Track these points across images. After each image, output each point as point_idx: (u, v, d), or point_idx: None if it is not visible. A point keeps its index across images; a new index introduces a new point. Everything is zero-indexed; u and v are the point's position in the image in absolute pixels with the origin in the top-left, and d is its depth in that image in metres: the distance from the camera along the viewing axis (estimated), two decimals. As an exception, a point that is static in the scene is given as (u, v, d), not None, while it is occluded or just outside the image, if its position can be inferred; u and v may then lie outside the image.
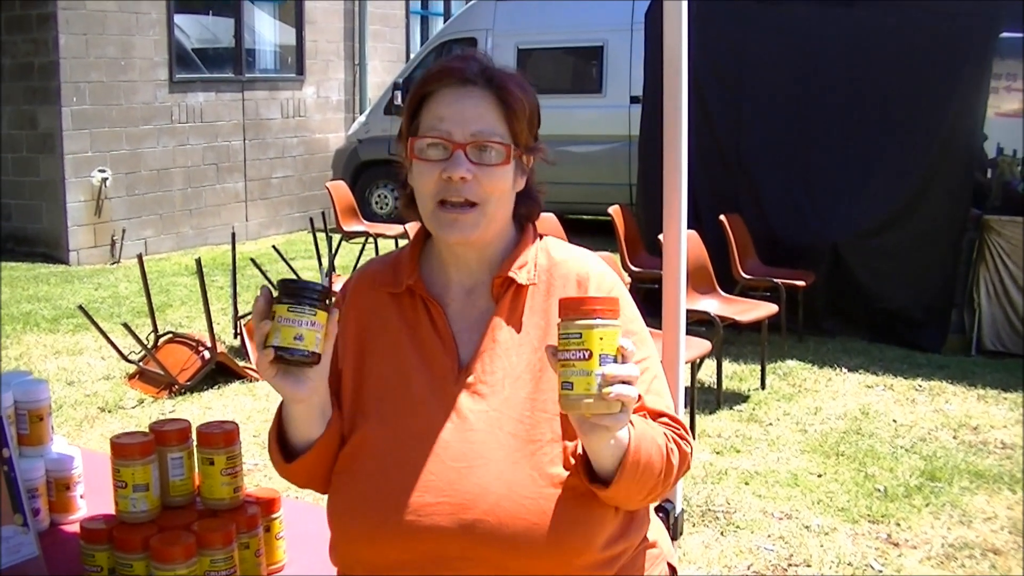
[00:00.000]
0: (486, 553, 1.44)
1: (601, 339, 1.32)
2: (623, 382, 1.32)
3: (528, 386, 1.51)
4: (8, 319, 7.24)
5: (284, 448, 1.57)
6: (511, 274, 1.57)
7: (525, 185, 1.62)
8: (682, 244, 2.14)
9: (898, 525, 4.01)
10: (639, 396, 1.52)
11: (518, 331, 1.55)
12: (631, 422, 1.43)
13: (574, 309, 1.34)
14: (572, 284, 1.58)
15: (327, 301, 1.43)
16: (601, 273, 1.61)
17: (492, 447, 1.48)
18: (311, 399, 1.49)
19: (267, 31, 12.14)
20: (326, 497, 1.59)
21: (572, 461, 1.47)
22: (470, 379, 1.53)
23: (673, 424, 1.56)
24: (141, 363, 5.76)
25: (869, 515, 4.09)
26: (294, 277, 1.46)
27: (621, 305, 1.56)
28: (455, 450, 1.48)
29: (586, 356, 1.31)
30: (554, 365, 1.35)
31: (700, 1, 6.70)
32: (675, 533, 2.09)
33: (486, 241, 1.57)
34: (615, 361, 1.32)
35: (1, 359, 6.16)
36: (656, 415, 1.55)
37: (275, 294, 1.42)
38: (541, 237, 1.65)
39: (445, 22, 13.81)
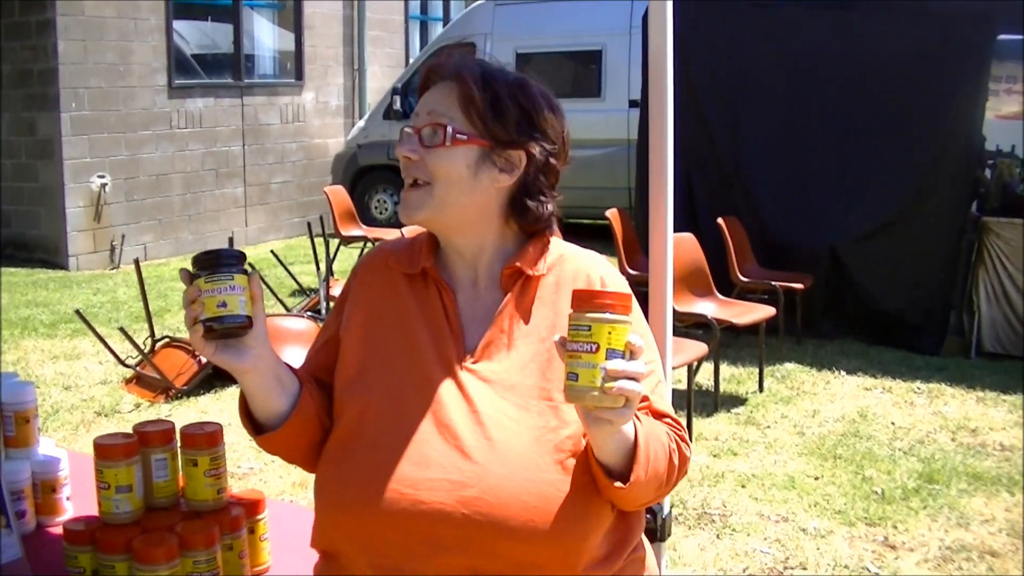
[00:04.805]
0: (480, 535, 1.42)
1: (610, 333, 1.31)
2: (629, 378, 1.32)
3: (535, 375, 1.52)
4: (6, 324, 7.24)
5: (255, 423, 1.57)
6: (520, 264, 1.58)
7: (522, 187, 1.59)
8: (668, 248, 2.13)
9: (895, 528, 3.99)
10: (646, 396, 1.53)
11: (527, 322, 1.57)
12: (639, 419, 1.44)
13: (586, 301, 1.34)
14: (582, 279, 1.60)
15: (243, 264, 1.45)
16: (610, 274, 1.64)
17: (496, 430, 1.48)
18: (258, 367, 1.49)
19: (266, 37, 12.15)
20: (311, 499, 1.58)
21: (572, 448, 1.48)
22: (477, 365, 1.54)
23: (675, 425, 1.58)
24: (138, 368, 5.76)
25: (866, 518, 4.08)
26: (206, 249, 1.47)
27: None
28: (459, 430, 1.48)
29: (593, 349, 1.31)
30: (562, 355, 1.35)
31: (696, 4, 6.78)
32: (663, 535, 2.08)
33: (445, 226, 1.58)
34: (623, 357, 1.32)
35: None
36: (660, 415, 1.57)
37: (192, 271, 1.44)
38: (550, 237, 1.66)
39: (444, 27, 13.82)
